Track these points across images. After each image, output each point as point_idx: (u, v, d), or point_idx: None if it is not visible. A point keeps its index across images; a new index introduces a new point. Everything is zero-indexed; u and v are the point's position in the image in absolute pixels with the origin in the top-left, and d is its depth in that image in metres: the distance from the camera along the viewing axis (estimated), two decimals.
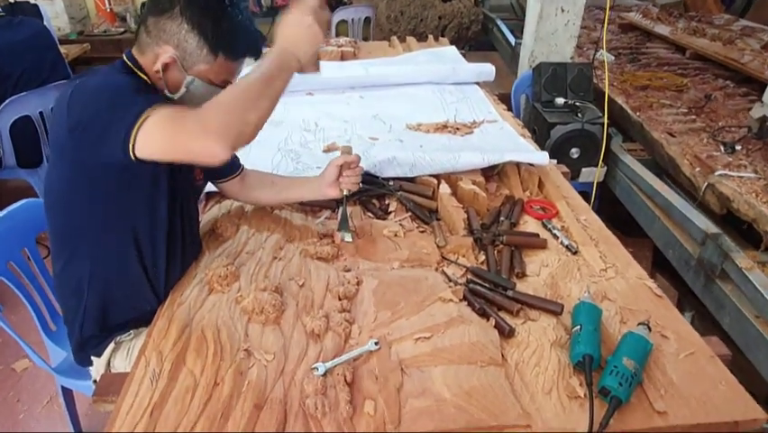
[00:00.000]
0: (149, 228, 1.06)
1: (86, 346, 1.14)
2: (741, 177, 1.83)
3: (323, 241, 1.25)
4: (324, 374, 0.89)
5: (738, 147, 2.08)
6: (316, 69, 0.99)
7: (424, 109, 2.00)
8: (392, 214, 1.39)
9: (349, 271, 1.15)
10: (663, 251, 1.89)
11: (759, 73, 2.75)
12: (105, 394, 0.95)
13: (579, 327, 0.96)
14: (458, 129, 1.80)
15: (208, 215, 1.37)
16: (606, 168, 2.31)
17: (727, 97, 2.76)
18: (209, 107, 0.84)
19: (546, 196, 1.50)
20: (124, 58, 1.03)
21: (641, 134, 2.39)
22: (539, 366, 0.93)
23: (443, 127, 1.82)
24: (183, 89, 1.02)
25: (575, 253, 1.25)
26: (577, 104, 2.31)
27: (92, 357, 1.15)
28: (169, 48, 0.98)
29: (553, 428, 0.83)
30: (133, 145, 0.83)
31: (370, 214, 1.40)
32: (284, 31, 0.94)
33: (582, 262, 1.22)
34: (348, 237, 1.23)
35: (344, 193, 1.25)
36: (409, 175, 1.47)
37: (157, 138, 0.84)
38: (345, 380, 0.88)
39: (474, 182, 1.45)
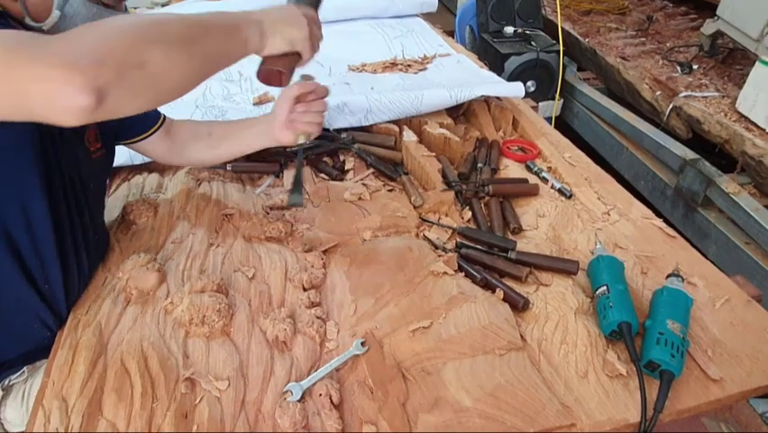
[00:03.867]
0: (23, 224, 0.73)
1: None
2: (706, 97, 1.74)
3: (270, 216, 0.99)
4: (302, 398, 0.66)
5: (695, 66, 2.00)
6: (284, 72, 0.76)
7: (365, 47, 1.72)
8: (350, 172, 1.14)
9: (310, 250, 0.91)
10: (633, 182, 1.79)
11: None
12: None
13: (604, 287, 0.79)
14: (409, 66, 1.55)
15: (113, 198, 1.05)
16: (562, 101, 2.16)
17: (668, 18, 2.69)
18: (82, 27, 0.53)
19: (522, 135, 1.31)
20: None
21: (593, 61, 2.25)
22: (566, 343, 0.75)
23: (393, 65, 1.56)
24: (55, 13, 0.70)
25: (570, 197, 1.07)
26: (527, 32, 2.12)
27: None
28: None
29: (599, 421, 0.66)
30: None
31: (323, 175, 1.14)
32: (266, 8, 0.73)
33: (581, 207, 1.05)
34: (299, 201, 0.91)
35: (299, 141, 0.90)
36: (364, 123, 1.22)
37: None
38: (331, 401, 0.66)
39: (442, 125, 1.22)
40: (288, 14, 0.74)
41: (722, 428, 1.31)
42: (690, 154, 1.56)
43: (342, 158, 1.18)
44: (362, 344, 0.73)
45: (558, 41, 2.04)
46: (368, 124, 1.22)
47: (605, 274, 0.81)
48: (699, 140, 1.73)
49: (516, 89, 1.27)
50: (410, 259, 0.87)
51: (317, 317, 0.77)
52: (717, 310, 0.82)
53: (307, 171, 1.13)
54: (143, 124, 0.96)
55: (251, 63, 1.72)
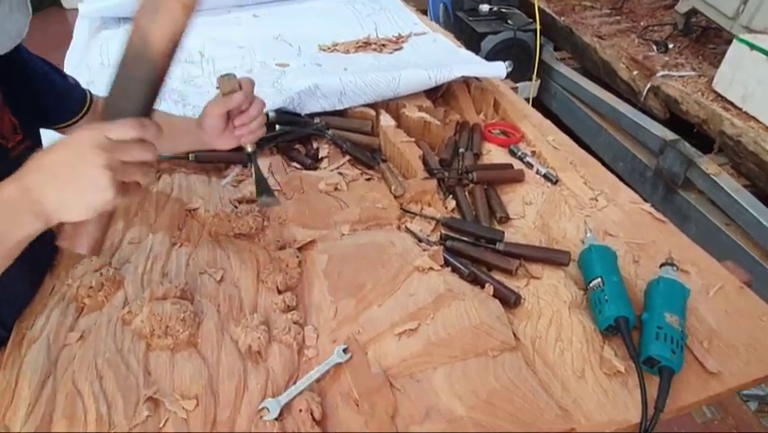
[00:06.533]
0: None
1: None
2: (682, 76, 1.73)
3: (239, 210, 0.91)
4: (280, 415, 0.60)
5: (671, 45, 1.98)
6: (88, 246, 0.57)
7: (336, 26, 1.63)
8: (325, 161, 1.07)
9: (284, 248, 0.83)
10: (612, 164, 1.76)
11: None
12: None
13: (598, 279, 0.75)
14: (384, 45, 1.47)
15: None
16: (539, 81, 2.12)
17: None
18: None
19: (504, 117, 1.25)
20: None
21: (569, 40, 2.21)
22: (561, 340, 0.71)
23: (366, 45, 1.48)
24: None
25: (556, 182, 1.03)
26: (503, 10, 2.06)
27: None
28: None
29: (599, 423, 0.62)
30: None
31: (295, 164, 1.06)
32: (47, 157, 0.51)
33: (567, 193, 1.00)
34: (272, 201, 0.85)
35: (248, 150, 0.82)
36: (338, 107, 1.14)
37: None
38: (313, 417, 0.60)
39: (421, 108, 1.15)
40: (76, 168, 0.50)
41: (704, 409, 1.32)
42: (670, 135, 1.54)
43: (315, 145, 1.10)
44: (345, 350, 0.67)
45: (534, 20, 1.99)
46: (342, 107, 1.15)
47: (598, 265, 0.77)
48: (674, 120, 1.72)
49: (497, 69, 1.21)
50: (393, 254, 0.81)
51: (294, 323, 0.70)
52: (711, 299, 0.79)
53: (278, 161, 1.05)
54: (70, 106, 0.84)
55: (216, 43, 1.61)
